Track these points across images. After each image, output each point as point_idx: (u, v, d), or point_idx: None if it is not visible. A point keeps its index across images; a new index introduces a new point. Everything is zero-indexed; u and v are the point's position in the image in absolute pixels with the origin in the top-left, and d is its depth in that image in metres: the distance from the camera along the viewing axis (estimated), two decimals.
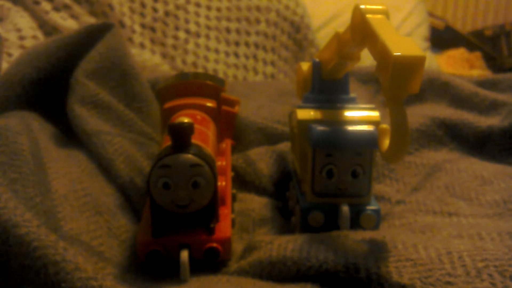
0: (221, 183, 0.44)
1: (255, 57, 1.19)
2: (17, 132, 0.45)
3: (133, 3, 1.05)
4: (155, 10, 1.08)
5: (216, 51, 1.14)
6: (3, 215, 0.32)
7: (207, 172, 0.37)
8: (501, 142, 0.59)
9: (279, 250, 0.36)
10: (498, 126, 0.60)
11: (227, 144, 0.56)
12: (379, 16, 0.35)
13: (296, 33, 1.26)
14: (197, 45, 1.11)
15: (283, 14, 1.24)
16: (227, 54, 1.15)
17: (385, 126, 0.36)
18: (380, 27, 0.34)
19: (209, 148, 0.40)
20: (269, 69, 1.20)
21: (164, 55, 1.06)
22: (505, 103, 0.65)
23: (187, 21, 1.11)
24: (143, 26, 1.05)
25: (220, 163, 0.47)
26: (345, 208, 0.40)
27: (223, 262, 0.40)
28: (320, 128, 0.40)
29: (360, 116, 0.42)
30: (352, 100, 0.45)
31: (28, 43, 0.87)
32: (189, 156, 0.36)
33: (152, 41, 1.06)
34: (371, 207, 0.41)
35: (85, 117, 0.51)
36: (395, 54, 0.30)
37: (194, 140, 0.38)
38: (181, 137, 0.36)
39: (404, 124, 0.32)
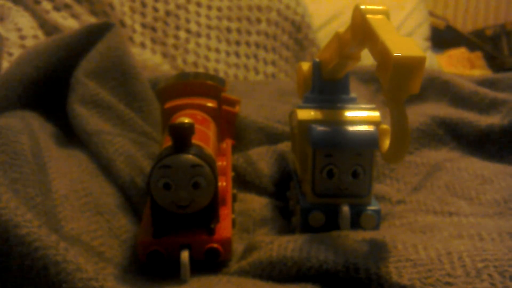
0: (222, 183, 0.44)
1: (256, 56, 1.19)
2: (18, 131, 0.45)
3: (133, 3, 1.05)
4: (155, 9, 1.08)
5: (217, 50, 1.14)
6: (4, 215, 0.32)
7: (207, 173, 0.37)
8: (501, 140, 0.59)
9: (279, 250, 0.37)
10: (498, 125, 0.60)
11: (227, 144, 0.56)
12: (379, 16, 0.35)
13: (297, 33, 1.26)
14: (198, 44, 1.11)
15: (284, 14, 1.24)
16: (228, 53, 1.15)
17: (385, 126, 0.36)
18: (380, 27, 0.34)
19: (209, 148, 0.40)
20: (270, 69, 1.20)
21: (164, 55, 1.06)
22: (505, 102, 0.65)
23: (187, 21, 1.11)
24: (143, 25, 1.05)
25: (220, 163, 0.47)
26: (346, 208, 0.40)
27: (224, 262, 0.40)
28: (320, 128, 0.40)
29: (361, 116, 0.42)
30: (353, 100, 0.45)
31: (29, 42, 0.87)
32: (190, 156, 0.36)
33: (153, 40, 1.06)
34: (372, 207, 0.42)
35: (86, 117, 0.51)
36: (395, 54, 0.30)
37: (195, 140, 0.38)
38: (181, 137, 0.36)
39: (404, 124, 0.32)
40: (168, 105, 0.48)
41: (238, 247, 0.42)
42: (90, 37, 0.59)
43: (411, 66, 0.30)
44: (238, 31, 1.18)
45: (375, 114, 0.43)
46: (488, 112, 0.65)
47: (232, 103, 0.60)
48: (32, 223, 0.32)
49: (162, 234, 0.38)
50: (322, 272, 0.34)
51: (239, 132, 0.62)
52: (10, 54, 0.82)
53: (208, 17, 1.15)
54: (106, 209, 0.43)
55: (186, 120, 0.36)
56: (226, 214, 0.42)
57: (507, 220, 0.43)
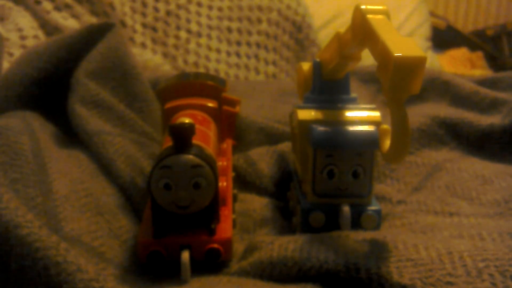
0: (222, 183, 0.44)
1: (256, 56, 1.19)
2: (18, 132, 0.45)
3: (134, 3, 1.05)
4: (156, 9, 1.08)
5: (218, 50, 1.14)
6: (5, 215, 0.32)
7: (208, 173, 0.37)
8: (501, 140, 0.59)
9: (280, 251, 0.37)
10: (499, 125, 0.59)
11: (228, 144, 0.56)
12: (379, 16, 0.35)
13: (298, 33, 1.26)
14: (198, 44, 1.11)
15: (284, 14, 1.24)
16: (228, 53, 1.15)
17: (386, 126, 0.36)
18: (380, 28, 0.34)
19: (210, 149, 0.40)
20: (271, 69, 1.20)
21: (165, 55, 1.07)
22: (505, 101, 0.65)
23: (188, 21, 1.11)
24: (144, 25, 1.06)
25: (221, 163, 0.47)
26: (346, 209, 0.40)
27: (224, 262, 0.40)
28: (321, 128, 0.40)
29: (361, 117, 0.42)
30: (353, 100, 0.45)
31: (29, 42, 0.87)
32: (190, 157, 0.36)
33: (154, 40, 1.06)
34: (372, 207, 0.41)
35: (86, 117, 0.51)
36: (395, 54, 0.30)
37: (195, 140, 0.38)
38: (182, 137, 0.36)
39: (405, 124, 0.32)
40: (169, 105, 0.48)
41: (238, 247, 0.42)
42: (91, 37, 0.59)
43: (411, 66, 0.30)
44: (239, 31, 1.18)
45: (376, 114, 0.43)
46: (489, 112, 0.65)
47: (233, 103, 0.60)
48: (32, 224, 0.32)
49: (163, 235, 0.38)
50: (323, 272, 0.34)
51: (240, 132, 0.62)
52: (11, 55, 0.82)
53: (208, 17, 1.15)
54: (107, 209, 0.43)
55: (187, 121, 0.36)
56: (226, 215, 0.42)
57: (507, 220, 0.43)
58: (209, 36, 1.14)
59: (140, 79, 0.59)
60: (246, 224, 0.47)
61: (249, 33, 1.19)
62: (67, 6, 0.98)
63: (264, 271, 0.36)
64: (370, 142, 0.40)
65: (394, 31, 0.33)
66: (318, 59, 0.45)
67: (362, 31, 0.35)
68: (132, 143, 0.51)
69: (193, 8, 1.13)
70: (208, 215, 0.38)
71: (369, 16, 0.35)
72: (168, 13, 1.09)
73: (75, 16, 0.98)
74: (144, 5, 1.07)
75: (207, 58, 1.12)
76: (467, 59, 1.75)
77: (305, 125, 0.42)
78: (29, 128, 0.48)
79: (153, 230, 0.38)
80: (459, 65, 1.69)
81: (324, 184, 0.41)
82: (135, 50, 1.02)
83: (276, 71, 1.20)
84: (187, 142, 0.37)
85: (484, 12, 2.19)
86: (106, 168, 0.48)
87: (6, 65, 0.73)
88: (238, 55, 1.17)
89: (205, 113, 0.48)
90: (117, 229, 0.42)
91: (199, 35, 1.12)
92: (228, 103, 0.58)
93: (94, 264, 0.36)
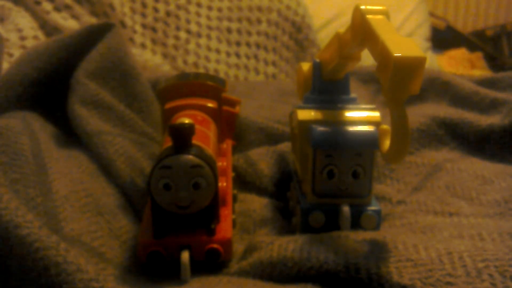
0: (222, 183, 0.43)
1: (256, 57, 1.19)
2: (18, 132, 0.45)
3: (134, 3, 1.05)
4: (156, 10, 1.08)
5: (217, 51, 1.14)
6: (5, 215, 0.32)
7: (207, 173, 0.37)
8: (501, 140, 0.59)
9: (279, 251, 0.37)
10: (499, 125, 0.59)
11: (228, 145, 0.56)
12: (379, 16, 0.35)
13: (297, 33, 1.26)
14: (198, 45, 1.11)
15: (284, 14, 1.24)
16: (228, 54, 1.15)
17: (385, 126, 0.36)
18: (380, 28, 0.34)
19: (209, 149, 0.40)
20: (271, 69, 1.20)
21: (165, 55, 1.07)
22: (505, 102, 0.65)
23: (188, 21, 1.11)
24: (144, 26, 1.06)
25: (221, 163, 0.47)
26: (346, 209, 0.40)
27: (224, 263, 0.40)
28: (320, 128, 0.40)
29: (361, 117, 0.42)
30: (353, 101, 0.45)
31: (29, 43, 0.87)
32: (190, 157, 0.36)
33: (153, 41, 1.06)
34: (372, 207, 0.41)
35: (86, 118, 0.51)
36: (395, 55, 0.30)
37: (195, 140, 0.38)
38: (181, 138, 0.36)
39: (404, 125, 0.32)
40: (169, 105, 0.48)
41: (238, 247, 0.42)
42: (91, 37, 0.59)
43: (411, 66, 0.30)
44: (239, 31, 1.18)
45: (375, 114, 0.43)
46: (488, 112, 0.65)
47: (232, 103, 0.60)
48: (32, 224, 0.32)
49: (163, 235, 0.38)
50: (323, 272, 0.34)
51: (239, 132, 0.62)
52: (11, 55, 0.82)
53: (208, 17, 1.15)
54: (107, 209, 0.43)
55: (186, 121, 0.36)
56: (226, 215, 0.42)
57: (507, 221, 0.43)
58: (208, 37, 1.14)
59: (140, 79, 0.59)
60: (246, 224, 0.47)
61: (249, 33, 1.19)
62: (67, 7, 0.98)
63: (264, 271, 0.36)
64: (370, 142, 0.40)
65: (394, 31, 0.33)
66: (318, 59, 0.45)
67: (362, 31, 0.36)
68: (132, 143, 0.51)
69: (192, 8, 1.13)
70: (208, 215, 0.38)
71: (369, 16, 0.35)
72: (167, 13, 1.09)
73: (75, 16, 0.98)
74: (144, 5, 1.07)
75: (207, 58, 1.12)
76: (466, 60, 1.75)
77: (305, 125, 0.42)
78: (29, 129, 0.48)
79: (153, 230, 0.38)
80: (458, 66, 1.69)
81: (324, 184, 0.41)
82: (135, 51, 1.02)
83: (276, 72, 1.21)
84: (187, 142, 0.37)
85: (483, 12, 2.19)
86: (106, 168, 0.48)
87: (6, 65, 0.73)
88: (237, 55, 1.17)
89: (205, 113, 0.48)
90: (117, 229, 0.42)
91: (198, 35, 1.12)
92: (228, 104, 0.58)
93: (94, 264, 0.36)
